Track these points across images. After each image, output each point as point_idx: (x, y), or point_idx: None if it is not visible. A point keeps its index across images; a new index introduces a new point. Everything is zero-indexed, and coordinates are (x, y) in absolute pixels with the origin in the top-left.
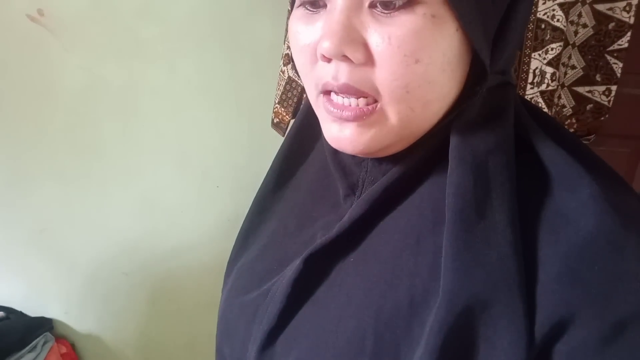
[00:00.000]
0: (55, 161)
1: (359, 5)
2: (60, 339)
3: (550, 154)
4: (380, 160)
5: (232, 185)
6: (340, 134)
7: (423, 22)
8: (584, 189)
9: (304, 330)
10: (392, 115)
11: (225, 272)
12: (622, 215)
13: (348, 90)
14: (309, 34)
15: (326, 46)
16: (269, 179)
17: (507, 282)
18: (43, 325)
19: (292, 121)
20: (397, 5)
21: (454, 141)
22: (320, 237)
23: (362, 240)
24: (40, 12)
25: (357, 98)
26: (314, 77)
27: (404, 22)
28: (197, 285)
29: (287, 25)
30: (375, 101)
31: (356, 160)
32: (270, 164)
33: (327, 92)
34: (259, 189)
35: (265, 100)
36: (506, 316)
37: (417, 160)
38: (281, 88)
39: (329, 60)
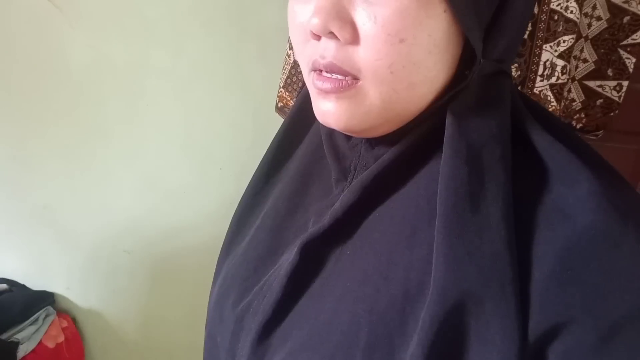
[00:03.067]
0: (59, 137)
1: None
2: (61, 313)
3: (548, 148)
4: (372, 145)
5: (236, 168)
6: (324, 107)
7: (409, 1)
8: (582, 184)
9: (299, 323)
10: (374, 94)
11: (219, 257)
12: (620, 212)
13: (332, 68)
14: (303, 12)
15: (314, 22)
16: (264, 162)
17: (500, 278)
18: (45, 299)
19: None
20: None
21: (449, 130)
22: (313, 224)
23: (356, 229)
24: None
25: (343, 77)
26: (306, 55)
27: (390, 1)
28: (198, 265)
29: None
30: (357, 80)
31: (350, 144)
32: None
33: (317, 70)
34: (255, 172)
35: (271, 84)
36: (499, 313)
37: (410, 146)
38: (286, 72)
39: (318, 37)
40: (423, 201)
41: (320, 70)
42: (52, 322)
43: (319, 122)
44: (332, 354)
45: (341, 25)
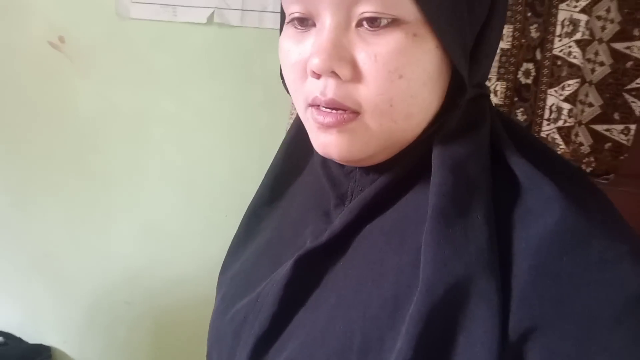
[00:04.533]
0: (62, 186)
1: (347, 25)
2: None
3: (518, 162)
4: (367, 171)
5: (241, 215)
6: (325, 140)
7: (406, 40)
8: (548, 188)
9: (294, 333)
10: (374, 126)
11: (217, 285)
12: (586, 210)
13: (334, 105)
14: (299, 51)
15: (316, 63)
16: (263, 193)
17: (485, 274)
18: (41, 353)
19: None
20: (381, 24)
21: (436, 150)
22: (310, 242)
23: (350, 244)
24: (62, 39)
25: (343, 111)
26: (304, 92)
27: (389, 41)
28: (201, 316)
29: None
30: (357, 113)
31: (345, 171)
32: None
33: (315, 105)
34: (251, 203)
35: (275, 130)
36: (483, 306)
37: (402, 171)
38: (293, 117)
39: (318, 76)
40: (410, 212)
41: (318, 105)
42: None
43: (314, 153)
44: (328, 359)
45: (342, 64)
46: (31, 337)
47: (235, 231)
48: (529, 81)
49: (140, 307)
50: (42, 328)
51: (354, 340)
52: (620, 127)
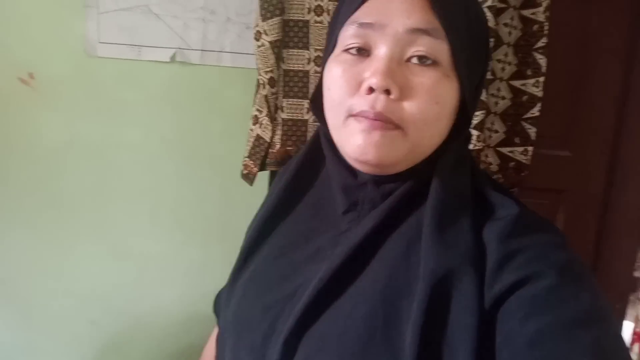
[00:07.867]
0: (29, 212)
1: (400, 58)
2: None
3: (487, 188)
4: (378, 184)
5: (203, 236)
6: (368, 139)
7: (441, 77)
8: (511, 208)
9: (323, 322)
10: (410, 137)
11: (229, 287)
12: (533, 216)
13: (381, 117)
14: (354, 71)
15: (375, 81)
16: (272, 206)
17: (471, 261)
18: None
19: (258, 173)
20: (426, 63)
21: (435, 177)
22: (329, 248)
23: (369, 248)
24: (31, 75)
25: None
26: (349, 104)
27: (431, 76)
28: (165, 334)
29: (256, 89)
30: (398, 128)
31: (357, 182)
32: (238, 214)
33: (359, 116)
34: (259, 215)
35: (235, 157)
36: (469, 284)
37: (406, 192)
38: (250, 144)
39: (371, 92)
40: (412, 227)
41: (361, 117)
42: None
43: (325, 172)
44: (358, 333)
45: (395, 85)
46: None
47: (197, 250)
48: None
49: (105, 326)
50: (6, 352)
51: (378, 314)
52: (521, 149)
